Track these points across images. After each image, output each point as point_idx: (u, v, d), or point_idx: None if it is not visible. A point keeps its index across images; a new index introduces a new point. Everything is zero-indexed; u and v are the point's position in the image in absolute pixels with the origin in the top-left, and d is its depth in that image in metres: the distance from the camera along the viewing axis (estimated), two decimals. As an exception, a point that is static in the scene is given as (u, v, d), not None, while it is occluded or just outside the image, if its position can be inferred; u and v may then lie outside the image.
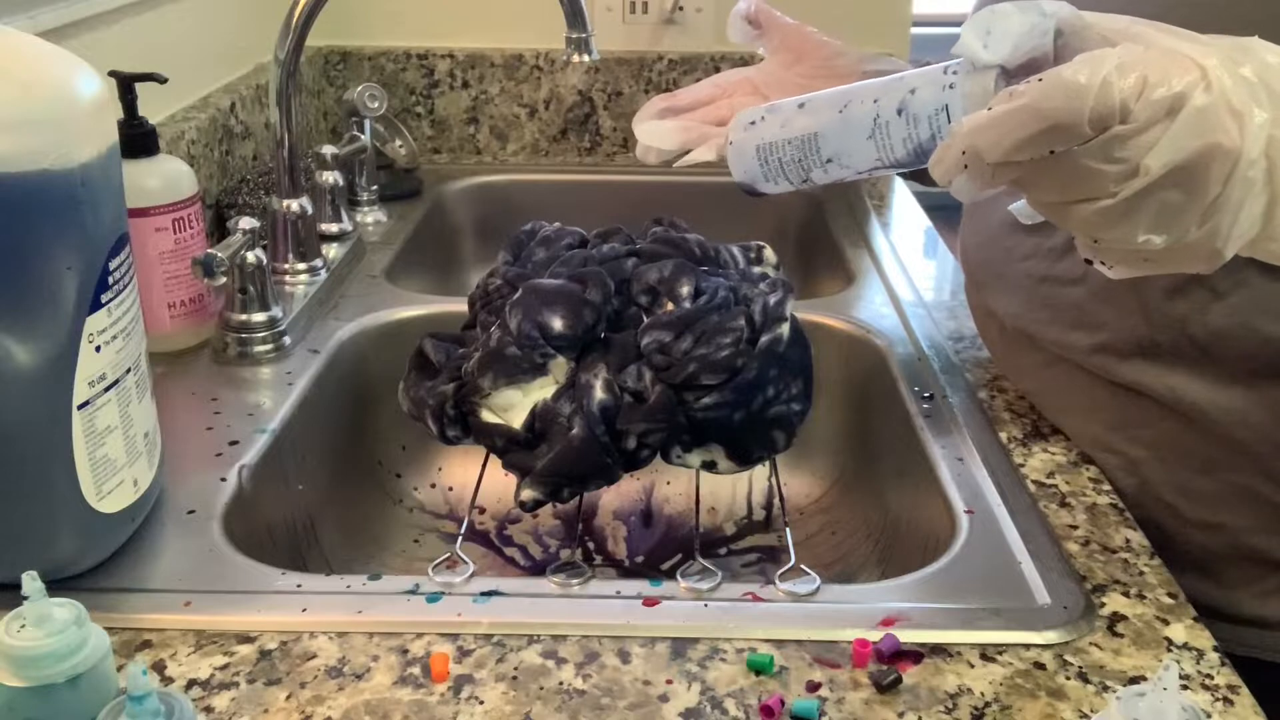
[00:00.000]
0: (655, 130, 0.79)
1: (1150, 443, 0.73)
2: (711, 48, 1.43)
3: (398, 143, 1.33)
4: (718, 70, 1.42)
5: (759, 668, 0.56)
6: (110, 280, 0.59)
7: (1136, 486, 0.73)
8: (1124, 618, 0.60)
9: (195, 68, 1.15)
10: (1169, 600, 0.61)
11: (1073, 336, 0.74)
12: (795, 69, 0.82)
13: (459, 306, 0.83)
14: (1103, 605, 0.61)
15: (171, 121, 1.06)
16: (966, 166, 0.50)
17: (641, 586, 0.62)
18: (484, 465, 0.74)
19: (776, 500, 0.91)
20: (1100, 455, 0.75)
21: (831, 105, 0.63)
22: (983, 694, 0.54)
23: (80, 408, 0.58)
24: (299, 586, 0.62)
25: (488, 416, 0.68)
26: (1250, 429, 0.69)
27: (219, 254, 0.83)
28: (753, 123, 0.67)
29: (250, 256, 0.87)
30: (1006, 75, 0.53)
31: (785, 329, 0.68)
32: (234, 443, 0.76)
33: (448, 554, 0.65)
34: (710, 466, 0.68)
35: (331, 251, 1.06)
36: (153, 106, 0.91)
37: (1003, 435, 0.78)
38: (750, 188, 0.69)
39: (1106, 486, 0.72)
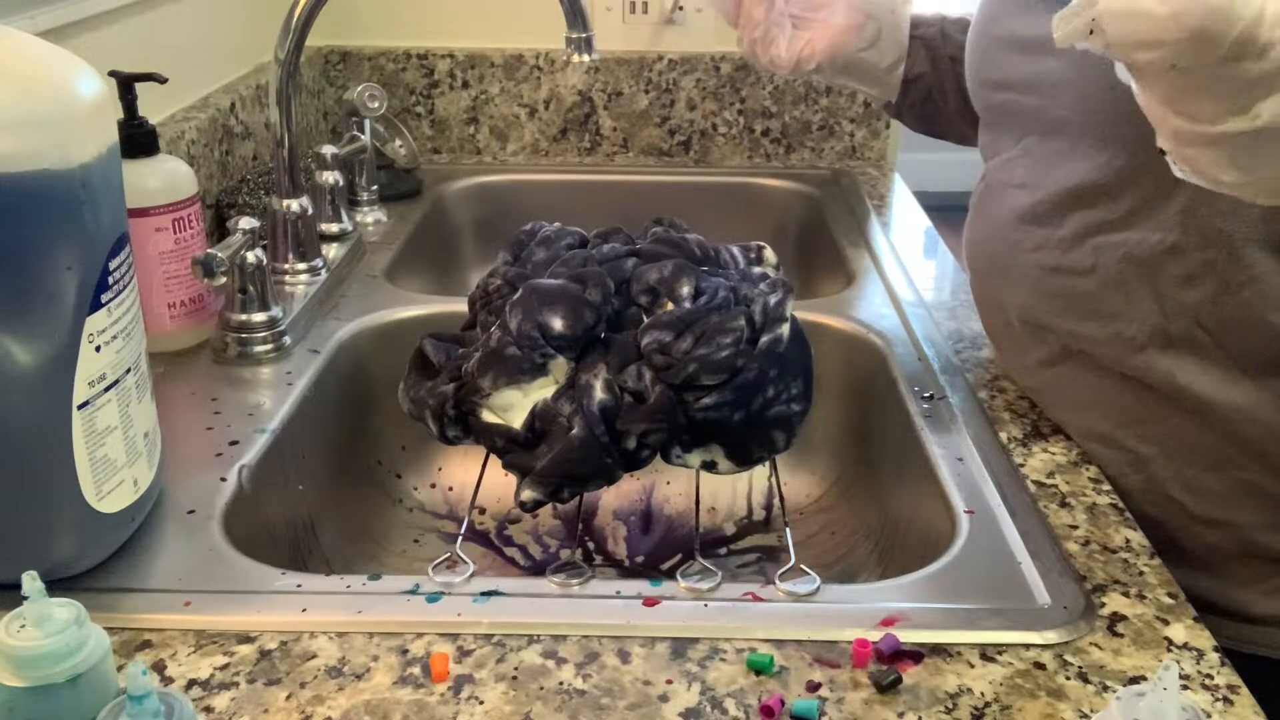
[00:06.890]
0: None
1: (1158, 439, 0.73)
2: (712, 48, 1.43)
3: (398, 143, 1.33)
4: (718, 70, 1.42)
5: (759, 668, 0.55)
6: (110, 280, 0.59)
7: (1144, 483, 0.73)
8: (1124, 618, 0.60)
9: (195, 68, 1.15)
10: (1169, 600, 0.61)
11: (1085, 326, 0.74)
12: None
13: (459, 306, 0.83)
14: (1103, 605, 0.61)
15: (171, 121, 1.06)
16: (1092, 33, 0.47)
17: (641, 586, 0.62)
18: (484, 465, 0.74)
19: (776, 500, 0.90)
20: (1107, 451, 0.75)
21: None
22: (983, 694, 0.54)
23: (80, 408, 0.58)
24: (299, 586, 0.62)
25: (488, 416, 0.68)
26: (1259, 425, 0.69)
27: (219, 254, 0.83)
28: None
29: (250, 256, 0.87)
30: None
31: (785, 329, 0.68)
32: (234, 443, 0.76)
33: (448, 554, 0.65)
34: (710, 466, 0.68)
35: (331, 251, 1.06)
36: (153, 106, 0.91)
37: (1003, 435, 0.78)
38: None
39: (1106, 486, 0.72)
